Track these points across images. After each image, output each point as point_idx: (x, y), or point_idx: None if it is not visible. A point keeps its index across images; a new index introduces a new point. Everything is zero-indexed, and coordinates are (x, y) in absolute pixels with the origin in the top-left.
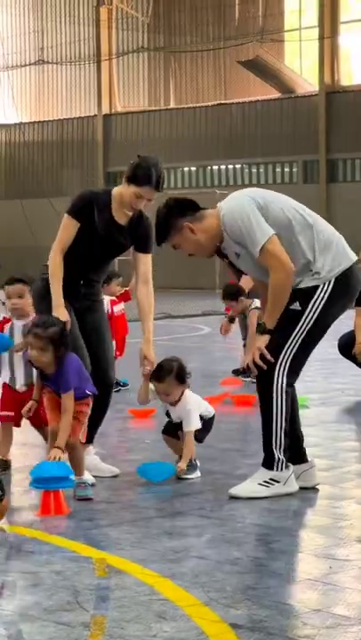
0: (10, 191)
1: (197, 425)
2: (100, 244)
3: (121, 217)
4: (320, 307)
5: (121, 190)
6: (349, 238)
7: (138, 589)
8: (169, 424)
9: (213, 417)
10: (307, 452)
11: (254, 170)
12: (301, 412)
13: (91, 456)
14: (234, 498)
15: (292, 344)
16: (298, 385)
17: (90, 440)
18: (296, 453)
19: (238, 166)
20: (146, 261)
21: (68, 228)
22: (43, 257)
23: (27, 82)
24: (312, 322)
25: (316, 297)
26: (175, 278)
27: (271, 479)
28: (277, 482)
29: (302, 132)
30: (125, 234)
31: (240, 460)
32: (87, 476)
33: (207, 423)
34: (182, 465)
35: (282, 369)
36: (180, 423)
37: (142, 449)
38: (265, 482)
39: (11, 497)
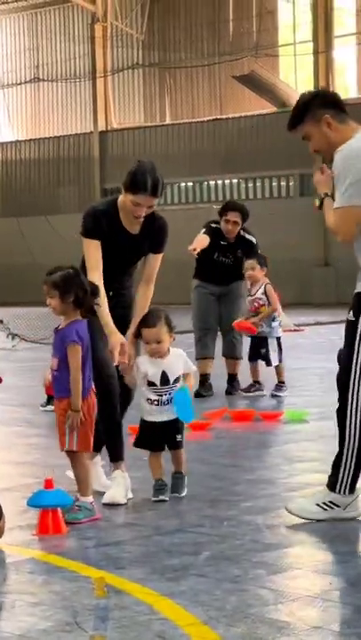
0: (6, 209)
1: (193, 367)
2: (118, 256)
3: (132, 226)
4: None
5: (123, 199)
6: (347, 252)
7: (137, 609)
8: (152, 436)
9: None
10: None
11: (251, 184)
12: (300, 427)
13: (96, 467)
14: (288, 511)
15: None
16: (297, 399)
17: (97, 449)
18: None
19: (235, 181)
20: (154, 261)
21: (92, 249)
22: (40, 274)
23: (22, 100)
24: None
25: None
26: (171, 293)
27: (331, 502)
28: (337, 506)
29: (298, 145)
30: (140, 240)
31: (239, 475)
32: (85, 499)
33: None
34: (190, 381)
35: (356, 386)
36: (167, 432)
37: (140, 466)
38: (324, 504)
39: (7, 516)
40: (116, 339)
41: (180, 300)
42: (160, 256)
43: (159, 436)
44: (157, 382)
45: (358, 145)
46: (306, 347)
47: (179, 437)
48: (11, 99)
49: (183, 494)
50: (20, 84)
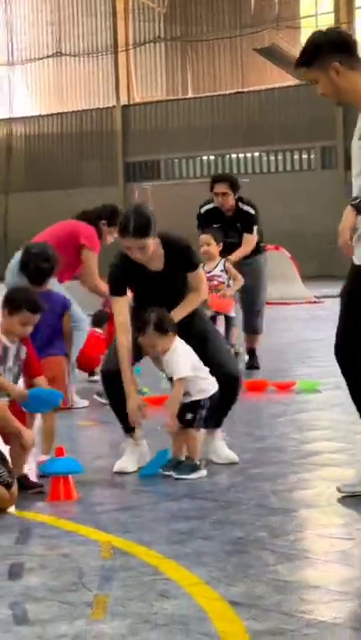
0: (30, 183)
1: (187, 372)
2: (155, 296)
3: (152, 263)
4: None
5: None
6: None
7: (142, 570)
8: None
9: (215, 396)
10: None
11: (272, 157)
12: (313, 397)
13: (218, 440)
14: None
15: None
16: (312, 370)
17: (218, 424)
18: None
19: (257, 154)
20: (194, 277)
21: (118, 307)
22: None
23: (44, 74)
24: None
25: None
26: None
27: None
28: None
29: (320, 118)
30: (168, 272)
31: (250, 444)
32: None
33: (208, 402)
34: (168, 419)
35: None
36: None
37: (154, 436)
38: None
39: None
40: (133, 402)
41: None
42: (198, 271)
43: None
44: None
45: None
46: (325, 318)
47: (188, 416)
48: (33, 73)
49: (187, 477)
50: (42, 58)
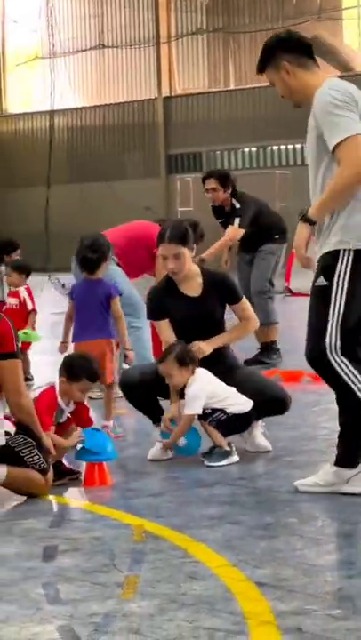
0: (71, 176)
1: (196, 410)
2: (193, 325)
3: (191, 289)
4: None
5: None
6: None
7: (172, 553)
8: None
9: (249, 415)
10: None
11: None
12: None
13: (256, 430)
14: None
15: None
16: None
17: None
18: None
19: (298, 146)
20: (239, 308)
21: (161, 329)
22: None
23: (87, 66)
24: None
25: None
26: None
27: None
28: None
29: None
30: (204, 300)
31: (282, 432)
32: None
33: (237, 420)
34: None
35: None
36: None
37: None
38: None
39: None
40: (173, 410)
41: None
42: (242, 302)
43: None
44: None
45: (329, 87)
46: None
47: (207, 410)
48: (75, 65)
49: (217, 464)
50: (85, 50)
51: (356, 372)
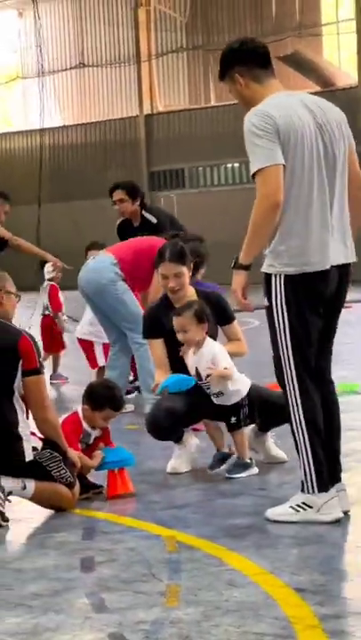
0: (55, 194)
1: (229, 362)
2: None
3: None
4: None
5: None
6: None
7: (207, 561)
8: (214, 410)
9: (250, 395)
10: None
11: None
12: (352, 399)
13: (267, 442)
14: (266, 518)
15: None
16: (347, 372)
17: (267, 429)
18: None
19: None
20: (230, 330)
21: (153, 348)
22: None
23: (68, 85)
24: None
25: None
26: (225, 273)
27: (303, 503)
28: (310, 507)
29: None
30: None
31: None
32: None
33: (246, 399)
34: (213, 380)
35: (290, 378)
36: (221, 414)
37: (204, 436)
38: (298, 505)
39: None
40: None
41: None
42: (233, 324)
43: (214, 412)
44: (195, 376)
45: (257, 110)
46: (353, 323)
47: (233, 419)
48: (57, 85)
49: (239, 476)
50: (66, 69)
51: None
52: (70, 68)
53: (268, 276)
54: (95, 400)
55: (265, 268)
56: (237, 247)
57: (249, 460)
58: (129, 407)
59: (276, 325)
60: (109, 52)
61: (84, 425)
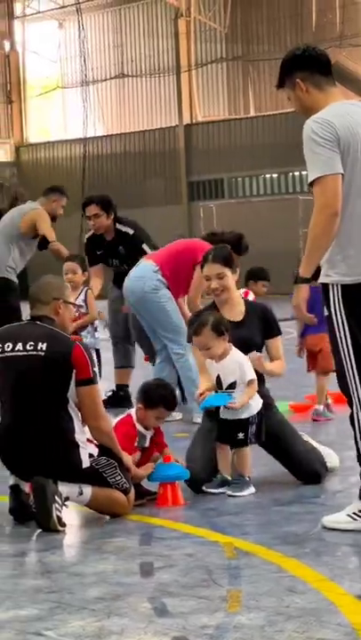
0: None
1: (252, 374)
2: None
3: (233, 314)
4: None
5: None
6: None
7: (266, 567)
8: (222, 429)
9: (262, 415)
10: None
11: None
12: None
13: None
14: (323, 526)
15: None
16: None
17: None
18: None
19: None
20: (275, 345)
21: (198, 354)
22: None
23: (109, 95)
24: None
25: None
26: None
27: (360, 511)
28: None
29: None
30: (247, 326)
31: (346, 452)
32: None
33: (256, 417)
34: (238, 401)
35: (355, 387)
36: (230, 430)
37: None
38: (354, 514)
39: None
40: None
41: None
42: (278, 338)
43: (222, 431)
44: (216, 385)
45: (317, 118)
46: None
47: (240, 435)
48: (98, 95)
49: (240, 494)
50: (106, 80)
51: None
52: (111, 78)
53: (325, 286)
54: (149, 398)
55: (322, 279)
56: (276, 257)
57: (248, 479)
58: (177, 415)
59: (337, 335)
60: (149, 63)
61: (138, 426)
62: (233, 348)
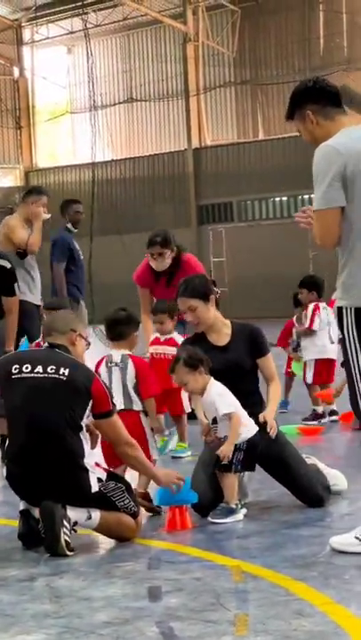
0: (105, 227)
1: (232, 406)
2: (223, 374)
3: (219, 339)
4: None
5: None
6: None
7: (274, 591)
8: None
9: (254, 442)
10: None
11: None
12: None
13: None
14: (331, 546)
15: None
16: None
17: None
18: None
19: None
20: (265, 364)
21: None
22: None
23: (117, 120)
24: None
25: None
26: (270, 307)
27: None
28: None
29: None
30: (232, 349)
31: (357, 475)
32: None
33: (251, 450)
34: (225, 449)
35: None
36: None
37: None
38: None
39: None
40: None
41: (279, 313)
42: (268, 357)
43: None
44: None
45: (326, 145)
46: None
47: (225, 461)
48: (106, 119)
49: (221, 521)
50: (115, 104)
51: None
52: (119, 103)
53: (339, 309)
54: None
55: (337, 302)
56: (285, 281)
57: (234, 506)
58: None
59: (350, 358)
60: (158, 87)
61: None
62: (212, 381)
